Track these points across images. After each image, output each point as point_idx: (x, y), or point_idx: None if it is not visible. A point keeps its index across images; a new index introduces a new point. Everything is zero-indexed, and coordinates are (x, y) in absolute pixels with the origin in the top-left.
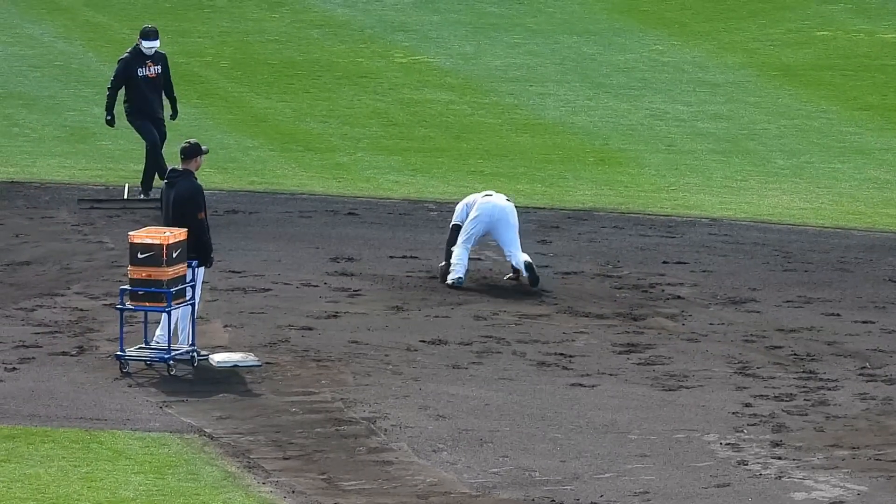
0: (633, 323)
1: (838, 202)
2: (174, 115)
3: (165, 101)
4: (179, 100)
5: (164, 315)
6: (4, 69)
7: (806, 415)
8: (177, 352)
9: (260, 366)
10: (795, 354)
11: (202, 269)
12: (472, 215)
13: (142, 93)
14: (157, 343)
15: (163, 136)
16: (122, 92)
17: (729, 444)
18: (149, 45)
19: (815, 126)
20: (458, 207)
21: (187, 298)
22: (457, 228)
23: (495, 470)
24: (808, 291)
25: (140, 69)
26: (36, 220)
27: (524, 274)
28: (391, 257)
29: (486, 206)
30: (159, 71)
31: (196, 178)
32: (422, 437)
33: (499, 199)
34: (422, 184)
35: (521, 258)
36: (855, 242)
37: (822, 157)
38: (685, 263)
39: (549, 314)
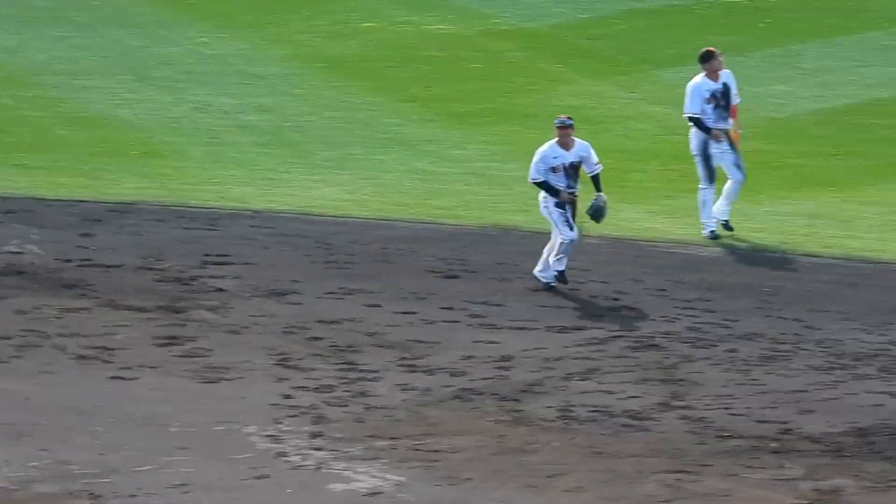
0: (174, 315)
1: (382, 194)
2: None
3: None
4: None
5: None
6: None
7: (346, 406)
8: None
9: None
10: (336, 345)
11: None
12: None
13: None
14: None
15: None
16: None
17: (269, 435)
18: None
19: (360, 118)
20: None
21: None
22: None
23: (34, 464)
24: (349, 283)
25: None
26: None
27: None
28: None
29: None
30: None
31: None
32: None
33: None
34: None
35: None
36: (397, 234)
37: (365, 148)
38: (227, 256)
39: (89, 307)
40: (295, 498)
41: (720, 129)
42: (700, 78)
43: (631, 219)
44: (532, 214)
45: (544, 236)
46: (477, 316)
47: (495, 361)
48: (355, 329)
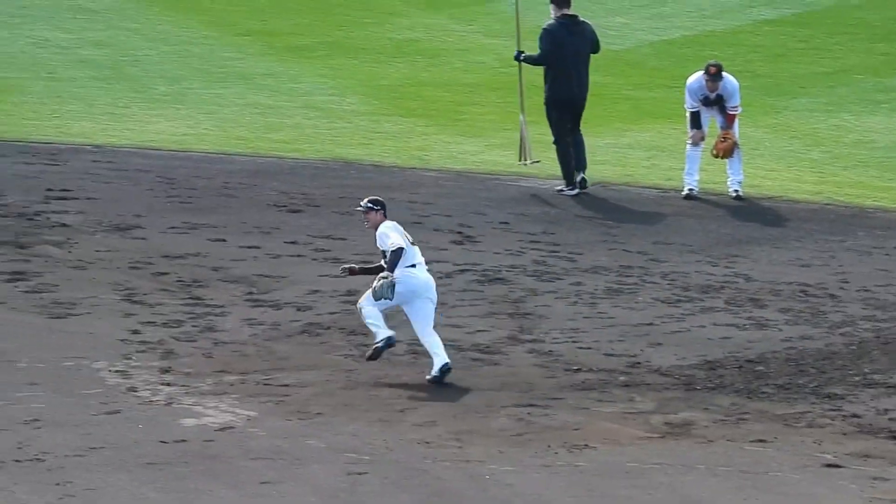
0: (19, 251)
1: (221, 128)
2: None
3: None
4: None
5: None
6: None
7: (194, 341)
8: None
9: None
10: (182, 281)
11: None
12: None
13: None
14: None
15: None
16: None
17: (118, 371)
18: None
19: (197, 52)
20: (394, 228)
21: None
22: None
23: None
24: (192, 217)
25: None
26: None
27: (435, 375)
28: None
29: (406, 278)
30: None
31: None
32: None
33: (422, 273)
34: None
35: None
36: (238, 168)
37: (203, 82)
38: (70, 191)
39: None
40: (146, 433)
41: (699, 133)
42: (698, 80)
43: (471, 152)
44: (372, 148)
45: (385, 169)
46: (322, 250)
47: (341, 296)
48: (201, 264)
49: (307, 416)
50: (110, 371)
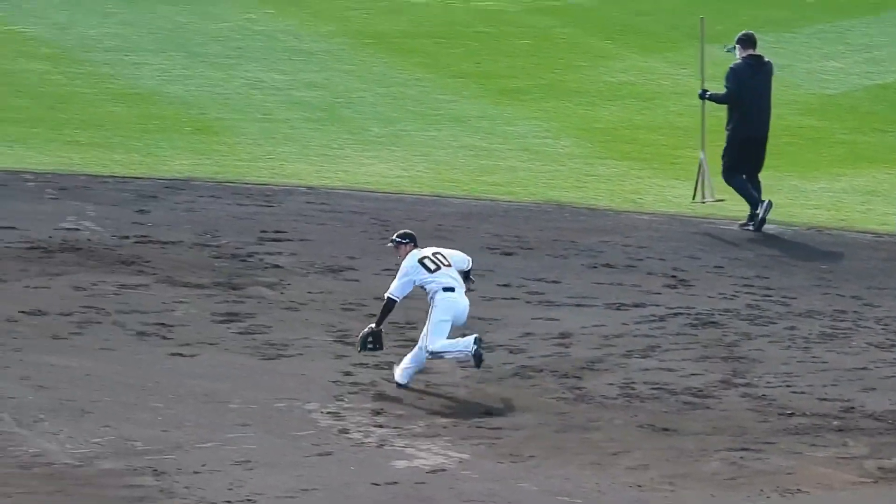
0: (232, 292)
1: (435, 170)
2: None
3: None
4: None
5: None
6: None
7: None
8: None
9: None
10: (394, 322)
11: None
12: (434, 312)
13: None
14: None
15: None
16: None
17: (330, 412)
18: None
19: (411, 94)
20: (405, 272)
21: None
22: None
23: (97, 440)
24: None
25: None
26: None
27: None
28: None
29: (448, 303)
30: None
31: None
32: (23, 407)
33: (460, 296)
34: (18, 154)
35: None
36: (452, 210)
37: (417, 124)
38: (283, 232)
39: (148, 284)
40: (358, 475)
41: None
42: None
43: (685, 196)
44: (586, 191)
45: (599, 212)
46: (535, 293)
47: (554, 338)
48: (413, 306)
49: (519, 458)
50: (322, 412)
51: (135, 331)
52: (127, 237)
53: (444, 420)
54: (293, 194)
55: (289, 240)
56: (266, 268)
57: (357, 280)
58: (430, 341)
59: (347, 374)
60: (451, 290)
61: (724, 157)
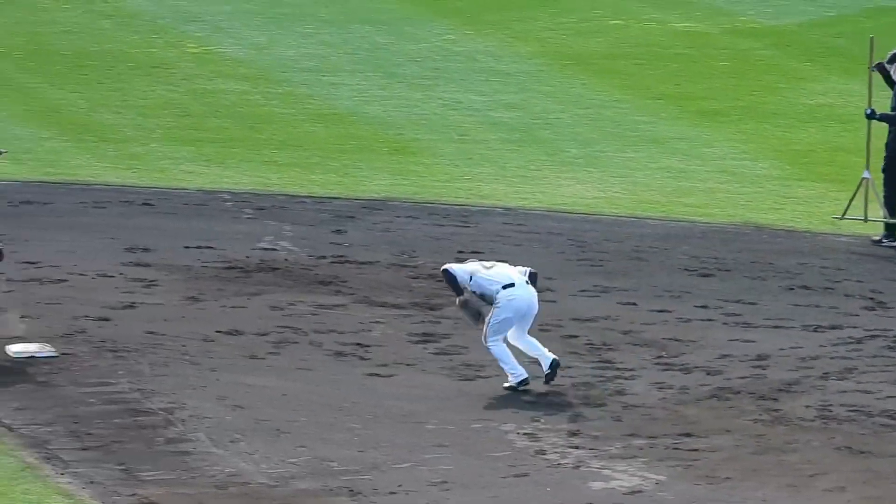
0: (429, 312)
1: (632, 191)
2: None
3: None
4: None
5: None
6: None
7: (603, 404)
8: None
9: (56, 356)
10: (591, 343)
11: None
12: (497, 311)
13: None
14: None
15: None
16: None
17: (526, 433)
18: None
19: (609, 115)
20: (467, 269)
21: None
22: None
23: (293, 460)
24: (603, 280)
25: None
26: None
27: (546, 371)
28: (186, 248)
29: (511, 300)
30: None
31: None
32: (219, 427)
33: (522, 289)
34: (216, 174)
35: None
36: (649, 231)
37: (615, 146)
38: (480, 253)
39: (345, 304)
40: (554, 496)
41: None
42: None
43: (881, 217)
44: (784, 213)
45: (797, 234)
46: (732, 314)
47: (751, 360)
48: (611, 327)
49: (716, 480)
50: (519, 433)
51: (332, 351)
52: (324, 257)
53: (640, 441)
54: (490, 215)
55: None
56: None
57: (554, 301)
58: (488, 336)
59: (543, 394)
60: (511, 285)
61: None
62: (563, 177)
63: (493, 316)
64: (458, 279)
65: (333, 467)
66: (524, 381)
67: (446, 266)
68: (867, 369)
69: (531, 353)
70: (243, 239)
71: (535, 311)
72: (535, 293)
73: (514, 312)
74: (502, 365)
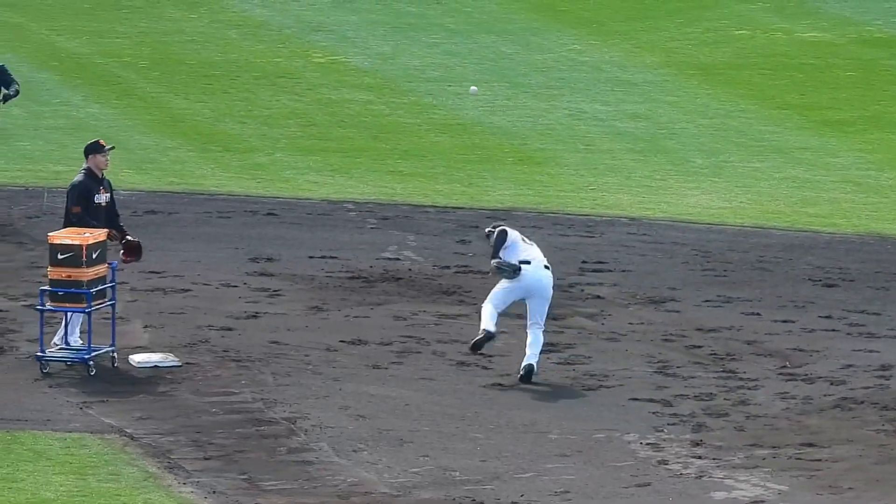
0: (552, 322)
1: (757, 201)
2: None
3: None
4: (99, 100)
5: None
6: None
7: (726, 414)
8: (97, 352)
9: (180, 366)
10: (715, 354)
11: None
12: (504, 282)
13: None
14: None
15: None
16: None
17: (649, 443)
18: None
19: (734, 125)
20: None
21: (108, 299)
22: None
23: (416, 470)
24: (727, 291)
25: None
26: None
27: (521, 373)
28: (310, 257)
29: (524, 275)
30: None
31: (86, 174)
32: (342, 436)
33: (537, 269)
34: (340, 184)
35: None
36: (774, 241)
37: (740, 156)
38: (604, 263)
39: (468, 314)
40: None
41: None
42: None
43: None
44: None
45: None
46: (856, 325)
47: (875, 370)
48: (734, 337)
49: (838, 490)
50: (641, 443)
51: (454, 361)
52: (447, 267)
53: (763, 451)
54: (614, 225)
55: (609, 270)
56: (587, 298)
57: (678, 311)
58: (490, 297)
59: (667, 404)
60: (528, 262)
61: None
62: (687, 187)
63: (503, 283)
64: (506, 243)
65: (456, 477)
66: (488, 334)
67: (505, 227)
68: None
69: (527, 346)
70: (367, 249)
71: (548, 296)
72: (551, 279)
73: (522, 288)
74: (482, 321)
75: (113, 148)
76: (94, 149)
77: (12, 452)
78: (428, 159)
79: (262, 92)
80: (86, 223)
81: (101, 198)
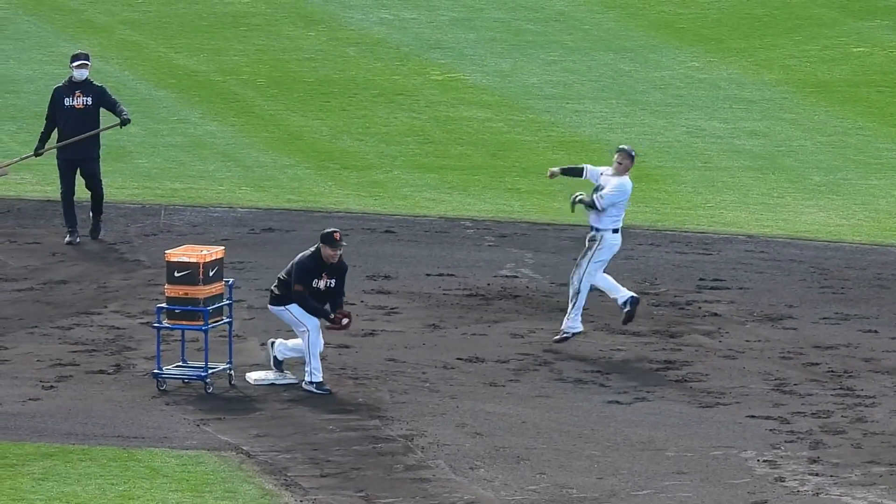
0: (669, 340)
1: (875, 218)
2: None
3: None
4: (217, 117)
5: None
6: (41, 87)
7: (843, 431)
8: (214, 370)
9: (297, 383)
10: (832, 371)
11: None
12: (600, 251)
13: (69, 125)
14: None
15: (89, 177)
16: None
17: (766, 460)
18: (78, 73)
19: (852, 142)
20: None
21: (225, 316)
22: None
23: (532, 487)
24: (844, 308)
25: (67, 98)
26: None
27: (628, 310)
28: (428, 275)
29: (614, 245)
30: (89, 102)
31: (313, 256)
32: (459, 454)
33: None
34: (458, 201)
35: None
36: (892, 259)
37: (858, 173)
38: (722, 280)
39: (585, 331)
40: None
41: None
42: None
43: None
44: None
45: None
46: None
47: None
48: (852, 355)
49: None
50: (759, 461)
51: (572, 378)
52: (565, 284)
53: (880, 468)
54: (732, 242)
55: (727, 288)
56: (704, 316)
57: (795, 329)
58: (589, 273)
59: (784, 421)
60: (617, 231)
61: None
62: (805, 204)
63: (594, 255)
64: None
65: (573, 494)
66: (634, 299)
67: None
68: None
69: (608, 289)
70: (484, 266)
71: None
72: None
73: (610, 255)
74: (608, 292)
75: (345, 245)
76: (325, 240)
77: (129, 470)
78: (546, 177)
79: (380, 109)
80: (305, 302)
81: (322, 283)
